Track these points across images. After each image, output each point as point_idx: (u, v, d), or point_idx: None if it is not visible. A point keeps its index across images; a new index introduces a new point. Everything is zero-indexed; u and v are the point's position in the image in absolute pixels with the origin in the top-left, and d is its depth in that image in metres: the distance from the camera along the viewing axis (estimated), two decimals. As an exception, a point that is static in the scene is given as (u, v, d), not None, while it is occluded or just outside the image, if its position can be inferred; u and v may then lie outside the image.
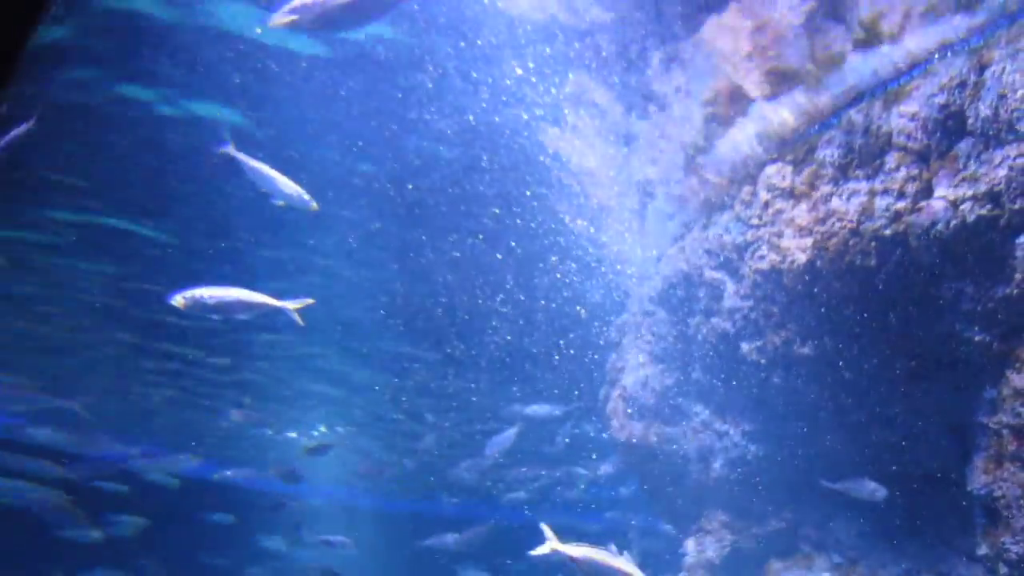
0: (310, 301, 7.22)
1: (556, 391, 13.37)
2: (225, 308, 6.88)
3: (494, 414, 15.31)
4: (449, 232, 10.13)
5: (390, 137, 8.48)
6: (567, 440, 15.01)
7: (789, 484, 8.93)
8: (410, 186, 9.15)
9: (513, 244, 10.22)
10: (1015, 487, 6.17)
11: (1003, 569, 6.32)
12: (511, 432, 12.34)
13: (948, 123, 6.06)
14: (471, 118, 8.12)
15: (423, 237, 10.20)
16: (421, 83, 7.72)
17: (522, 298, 11.29)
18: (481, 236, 10.03)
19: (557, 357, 12.70)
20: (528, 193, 9.26)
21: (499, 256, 10.35)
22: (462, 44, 7.24)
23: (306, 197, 7.04)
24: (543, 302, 11.24)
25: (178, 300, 6.75)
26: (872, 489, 6.94)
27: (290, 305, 7.15)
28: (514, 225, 9.81)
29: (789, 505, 9.16)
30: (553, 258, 10.37)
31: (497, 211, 9.49)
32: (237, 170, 7.17)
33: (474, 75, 7.58)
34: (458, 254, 10.49)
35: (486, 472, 16.74)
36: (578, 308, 11.27)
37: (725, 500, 9.76)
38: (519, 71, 7.55)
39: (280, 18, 5.31)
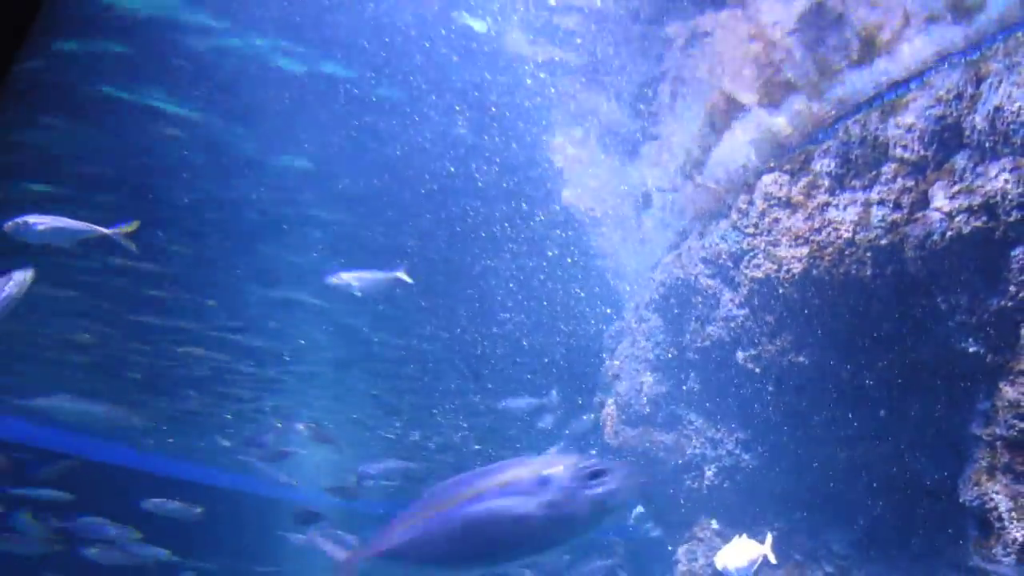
0: (135, 224, 7.68)
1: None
2: (51, 235, 7.29)
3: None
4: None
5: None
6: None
7: (782, 493, 8.93)
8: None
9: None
10: (1007, 499, 6.18)
11: (994, 581, 6.33)
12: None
13: (945, 135, 6.09)
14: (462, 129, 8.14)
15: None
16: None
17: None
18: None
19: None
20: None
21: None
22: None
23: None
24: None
25: (8, 226, 7.13)
26: None
27: (119, 231, 7.64)
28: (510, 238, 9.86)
29: (782, 514, 9.15)
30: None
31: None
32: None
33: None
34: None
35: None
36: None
37: (718, 508, 9.75)
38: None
39: None
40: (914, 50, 6.16)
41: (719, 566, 7.88)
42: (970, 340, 6.29)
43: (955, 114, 5.98)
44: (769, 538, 7.70)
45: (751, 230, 7.61)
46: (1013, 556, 6.07)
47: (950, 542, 7.22)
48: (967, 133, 5.93)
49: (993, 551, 6.24)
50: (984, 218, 5.83)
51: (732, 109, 7.41)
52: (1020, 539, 6.03)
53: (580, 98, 8.06)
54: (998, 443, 6.18)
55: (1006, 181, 5.65)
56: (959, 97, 5.93)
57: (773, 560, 7.65)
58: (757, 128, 7.35)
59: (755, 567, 7.50)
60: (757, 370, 8.13)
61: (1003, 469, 6.17)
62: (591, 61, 7.51)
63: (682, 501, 10.22)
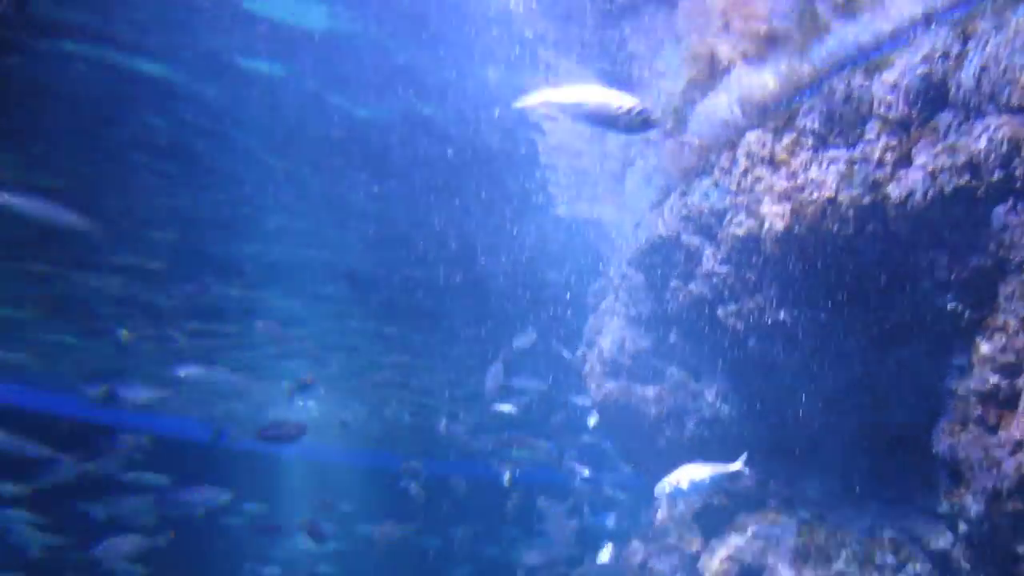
0: None
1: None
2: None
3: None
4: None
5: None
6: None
7: (760, 443, 9.16)
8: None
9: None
10: (977, 449, 6.39)
11: (963, 526, 6.59)
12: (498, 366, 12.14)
13: (930, 93, 6.06)
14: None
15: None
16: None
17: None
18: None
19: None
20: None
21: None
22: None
23: None
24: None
25: None
26: None
27: None
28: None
29: (760, 463, 9.40)
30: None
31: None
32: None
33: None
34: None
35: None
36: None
37: (697, 458, 9.98)
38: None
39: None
40: (901, 7, 6.08)
41: (666, 487, 8.09)
42: (949, 297, 6.40)
43: (941, 73, 5.95)
44: (743, 456, 7.99)
45: (734, 187, 7.59)
46: (982, 504, 6.31)
47: (921, 490, 7.50)
48: (952, 92, 5.91)
49: (963, 499, 6.50)
50: (967, 177, 5.87)
51: (716, 65, 7.30)
52: (989, 488, 6.26)
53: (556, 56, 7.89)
54: (972, 396, 6.36)
55: (990, 140, 5.67)
56: (945, 56, 5.89)
57: (745, 472, 7.97)
58: (741, 85, 7.26)
59: (711, 481, 7.83)
60: (739, 325, 8.23)
61: (976, 421, 6.37)
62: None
63: (663, 449, 10.45)
